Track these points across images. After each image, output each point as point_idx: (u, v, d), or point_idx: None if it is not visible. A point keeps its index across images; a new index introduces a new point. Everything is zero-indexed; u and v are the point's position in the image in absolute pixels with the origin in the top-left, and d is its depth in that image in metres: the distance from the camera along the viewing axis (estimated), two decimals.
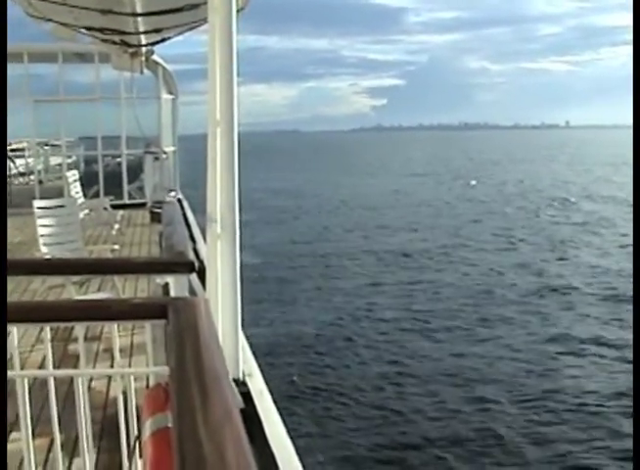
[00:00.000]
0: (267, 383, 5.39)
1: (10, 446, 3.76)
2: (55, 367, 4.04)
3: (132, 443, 3.59)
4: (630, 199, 56.67)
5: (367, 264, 32.52)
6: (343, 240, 40.24)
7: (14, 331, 3.50)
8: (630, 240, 36.61)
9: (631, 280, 26.46)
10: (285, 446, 4.46)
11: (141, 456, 3.29)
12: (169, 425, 2.53)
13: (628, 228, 39.42)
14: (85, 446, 3.73)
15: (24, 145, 25.22)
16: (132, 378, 3.69)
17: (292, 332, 21.59)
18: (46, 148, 27.19)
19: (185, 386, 2.02)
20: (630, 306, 22.89)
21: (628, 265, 30.20)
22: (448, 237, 40.58)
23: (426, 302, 25.79)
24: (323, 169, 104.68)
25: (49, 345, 3.73)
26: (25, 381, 3.44)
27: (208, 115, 5.13)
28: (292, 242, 38.96)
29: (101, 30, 9.87)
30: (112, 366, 4.44)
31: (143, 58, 12.99)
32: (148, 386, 4.09)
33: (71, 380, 3.62)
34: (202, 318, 2.68)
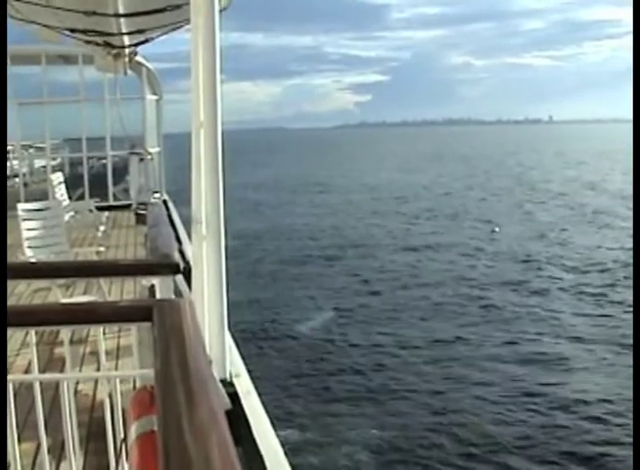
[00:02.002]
0: (255, 383, 5.39)
1: None
2: (41, 371, 4.02)
3: (118, 446, 3.58)
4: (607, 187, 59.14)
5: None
6: (308, 224, 44.86)
7: None
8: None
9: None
10: (273, 446, 4.46)
11: (128, 459, 3.28)
12: (155, 428, 2.52)
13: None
14: (71, 449, 3.71)
15: (9, 148, 25.12)
16: (118, 381, 3.68)
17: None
18: (30, 150, 27.09)
19: (170, 389, 2.01)
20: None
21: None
22: (405, 224, 44.85)
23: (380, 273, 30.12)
24: (304, 165, 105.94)
25: (34, 349, 3.72)
26: (11, 386, 3.42)
27: (192, 116, 5.11)
28: (265, 230, 42.33)
29: (84, 32, 9.83)
30: (98, 369, 4.43)
31: (126, 59, 12.94)
32: (135, 388, 4.08)
33: (58, 384, 3.61)
34: (187, 320, 2.67)
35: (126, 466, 3.56)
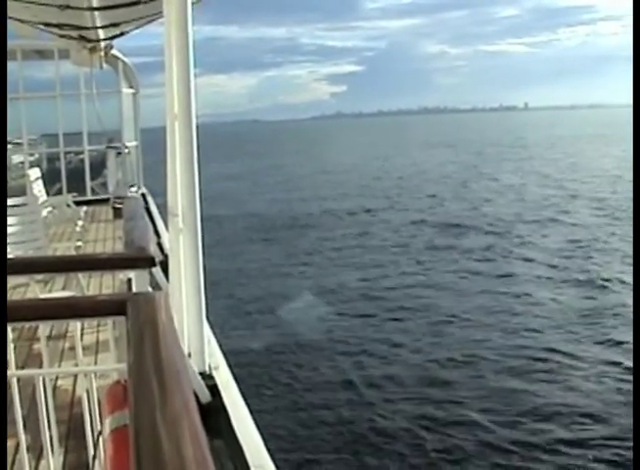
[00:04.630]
0: (234, 375, 5.39)
1: None
2: (19, 368, 4.01)
3: (95, 441, 3.57)
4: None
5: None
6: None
7: None
8: None
9: None
10: (253, 437, 4.46)
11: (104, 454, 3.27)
12: (128, 422, 2.52)
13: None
14: (49, 446, 3.70)
15: None
16: (93, 376, 3.67)
17: None
18: (8, 146, 26.96)
19: (143, 382, 2.00)
20: None
21: None
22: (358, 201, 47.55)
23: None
24: (274, 156, 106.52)
25: (11, 345, 3.70)
26: None
27: (166, 108, 5.11)
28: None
29: (59, 26, 9.78)
30: (77, 365, 4.42)
31: (102, 52, 12.89)
32: None
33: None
34: (161, 313, 2.66)
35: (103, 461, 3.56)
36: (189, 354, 5.19)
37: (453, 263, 27.26)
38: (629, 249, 26.35)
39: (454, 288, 23.70)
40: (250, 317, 20.59)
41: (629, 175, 49.23)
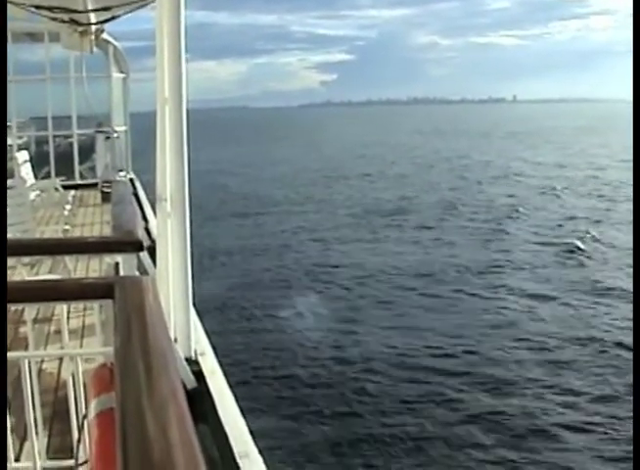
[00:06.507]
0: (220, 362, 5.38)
1: None
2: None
3: (80, 424, 3.56)
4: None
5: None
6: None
7: None
8: None
9: None
10: (238, 424, 4.45)
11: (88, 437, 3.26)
12: (114, 405, 2.51)
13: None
14: (33, 429, 3.69)
15: None
16: (79, 359, 3.66)
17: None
18: None
19: (129, 365, 1.99)
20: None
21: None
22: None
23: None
24: (256, 143, 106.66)
25: None
26: None
27: (157, 93, 5.08)
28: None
29: (50, 9, 9.74)
30: (63, 348, 4.40)
31: (93, 36, 12.82)
32: None
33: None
34: (148, 297, 2.65)
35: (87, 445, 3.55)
36: (175, 340, 5.17)
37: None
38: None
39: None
40: None
41: (615, 163, 51.05)
